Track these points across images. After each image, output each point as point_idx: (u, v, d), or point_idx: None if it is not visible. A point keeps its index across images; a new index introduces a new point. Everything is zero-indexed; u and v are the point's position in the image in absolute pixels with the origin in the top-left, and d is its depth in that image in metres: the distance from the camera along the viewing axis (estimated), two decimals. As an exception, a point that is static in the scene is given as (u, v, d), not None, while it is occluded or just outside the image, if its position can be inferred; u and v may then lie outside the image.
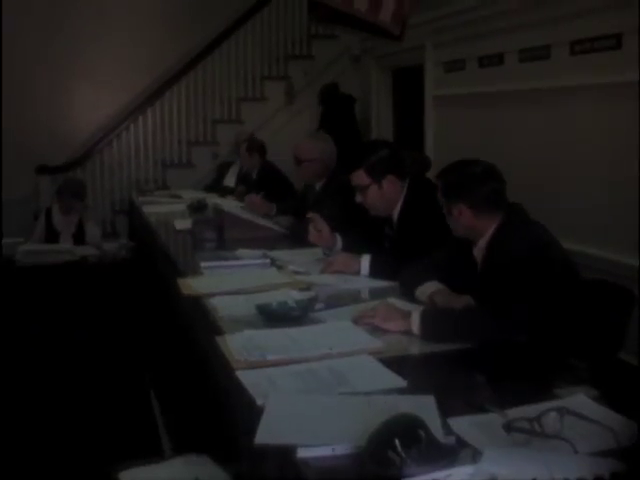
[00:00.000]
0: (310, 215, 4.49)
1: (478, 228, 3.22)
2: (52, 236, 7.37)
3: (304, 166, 5.38)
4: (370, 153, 4.03)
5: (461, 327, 2.77)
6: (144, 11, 10.18)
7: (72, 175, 9.44)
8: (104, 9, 9.99)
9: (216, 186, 8.39)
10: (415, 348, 2.75)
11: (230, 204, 5.99)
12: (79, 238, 7.32)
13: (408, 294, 3.35)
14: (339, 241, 4.36)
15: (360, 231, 4.40)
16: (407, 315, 2.87)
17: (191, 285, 3.63)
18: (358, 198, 4.06)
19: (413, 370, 2.60)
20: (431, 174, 5.71)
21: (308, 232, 4.43)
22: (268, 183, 7.13)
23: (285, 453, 1.88)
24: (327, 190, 5.32)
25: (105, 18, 10.00)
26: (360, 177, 4.00)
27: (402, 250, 3.80)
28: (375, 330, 2.84)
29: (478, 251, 3.27)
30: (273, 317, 3.01)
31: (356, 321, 2.93)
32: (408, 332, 2.82)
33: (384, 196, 4.01)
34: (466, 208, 3.19)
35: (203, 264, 4.11)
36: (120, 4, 10.07)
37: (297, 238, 4.83)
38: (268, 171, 7.47)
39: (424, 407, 2.04)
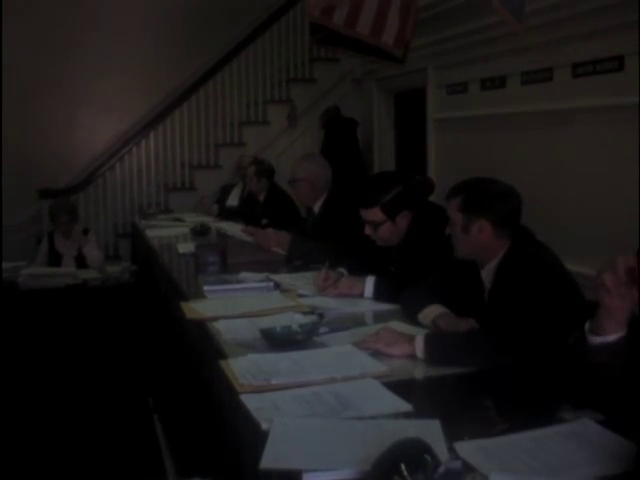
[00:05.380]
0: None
1: (491, 248, 3.18)
2: (55, 259, 7.39)
3: (294, 187, 5.47)
4: (383, 189, 3.97)
5: (466, 350, 2.75)
6: (146, 36, 10.23)
7: (75, 199, 9.48)
8: (107, 35, 10.03)
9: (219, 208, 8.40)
10: (420, 372, 2.73)
11: (233, 228, 5.99)
12: (81, 260, 7.33)
13: (410, 317, 3.34)
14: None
15: (362, 253, 4.39)
16: (411, 339, 2.85)
17: (194, 309, 3.62)
18: (367, 231, 4.02)
19: (418, 394, 2.60)
20: (434, 197, 5.71)
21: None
22: (275, 207, 7.13)
23: (290, 478, 1.87)
24: (325, 212, 5.32)
25: (107, 43, 10.04)
26: (375, 214, 3.95)
27: (407, 273, 3.79)
28: (379, 354, 2.83)
29: (487, 274, 3.23)
30: (277, 341, 3.00)
31: (358, 346, 2.91)
32: (412, 356, 2.81)
33: (397, 230, 3.98)
34: (488, 224, 3.13)
35: (206, 288, 4.10)
36: (122, 29, 10.11)
37: (294, 261, 4.84)
38: (276, 195, 7.44)
39: (430, 431, 2.03)
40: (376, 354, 2.82)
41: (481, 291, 3.26)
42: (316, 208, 5.40)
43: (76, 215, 7.67)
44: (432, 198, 5.08)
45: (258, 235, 5.41)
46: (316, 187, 5.34)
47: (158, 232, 6.98)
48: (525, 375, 2.62)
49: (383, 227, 3.97)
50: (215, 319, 3.39)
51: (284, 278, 4.34)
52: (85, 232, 7.65)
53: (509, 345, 2.72)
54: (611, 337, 2.17)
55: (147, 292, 6.01)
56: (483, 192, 3.21)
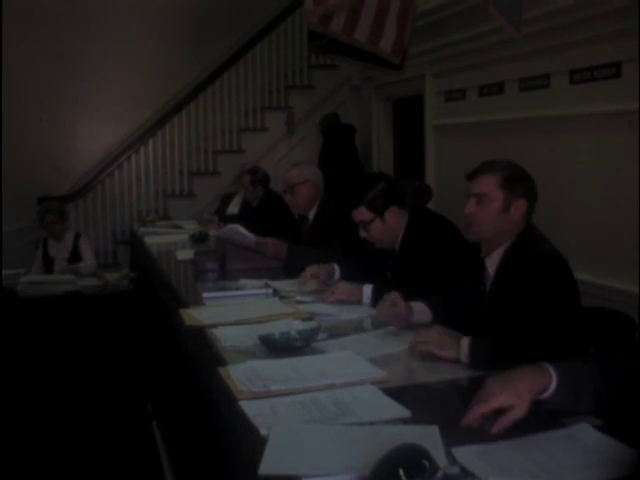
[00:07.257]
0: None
1: (512, 230, 3.17)
2: (48, 264, 7.44)
3: (297, 190, 5.37)
4: (368, 188, 4.03)
5: (510, 354, 2.70)
6: (145, 43, 10.24)
7: (74, 205, 9.52)
8: (105, 42, 10.04)
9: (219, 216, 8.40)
10: (418, 378, 2.74)
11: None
12: (74, 261, 7.39)
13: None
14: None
15: (358, 260, 4.40)
16: (457, 343, 2.83)
17: (193, 316, 3.62)
18: (362, 234, 4.05)
19: (416, 400, 2.59)
20: (432, 204, 5.72)
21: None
22: (269, 212, 7.13)
23: (289, 484, 1.88)
24: (320, 219, 5.31)
25: (106, 50, 10.05)
26: (362, 213, 4.00)
27: (403, 280, 3.80)
28: (378, 360, 2.83)
29: (491, 263, 3.23)
30: (276, 347, 3.00)
31: (414, 348, 2.88)
32: (457, 360, 2.78)
33: (388, 228, 4.01)
34: (526, 204, 3.18)
35: (205, 294, 4.11)
36: (121, 36, 10.12)
37: (291, 270, 4.84)
38: (271, 200, 7.46)
39: (428, 437, 2.04)
40: (375, 359, 2.82)
41: (484, 281, 3.25)
42: (311, 215, 5.39)
43: (64, 215, 7.73)
44: (430, 204, 5.09)
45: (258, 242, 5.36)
46: (319, 190, 5.35)
47: (157, 239, 6.98)
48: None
49: (373, 226, 4.00)
50: (214, 326, 3.39)
51: (283, 285, 4.34)
52: (77, 237, 7.70)
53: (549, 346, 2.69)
54: None
55: (146, 299, 6.01)
56: (521, 171, 3.22)
